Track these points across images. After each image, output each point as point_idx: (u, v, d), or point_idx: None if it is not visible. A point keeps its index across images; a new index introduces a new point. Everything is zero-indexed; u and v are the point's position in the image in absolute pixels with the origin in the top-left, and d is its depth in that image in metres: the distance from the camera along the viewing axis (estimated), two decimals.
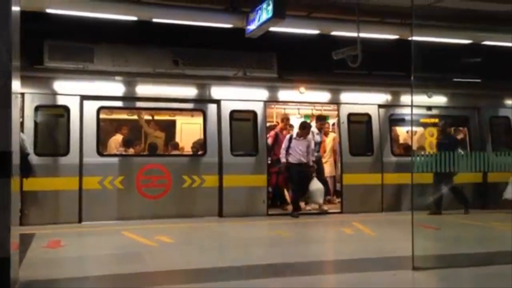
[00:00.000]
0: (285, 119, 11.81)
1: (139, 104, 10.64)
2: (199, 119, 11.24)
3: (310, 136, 10.85)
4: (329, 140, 12.25)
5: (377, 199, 11.17)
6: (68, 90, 9.83)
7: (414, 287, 5.76)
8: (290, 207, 10.88)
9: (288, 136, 10.71)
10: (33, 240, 7.69)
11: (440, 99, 12.31)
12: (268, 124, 11.51)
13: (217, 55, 11.16)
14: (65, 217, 9.43)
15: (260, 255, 7.08)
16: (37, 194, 9.35)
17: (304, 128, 10.73)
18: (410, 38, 6.85)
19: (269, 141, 11.29)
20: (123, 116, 12.06)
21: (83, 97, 9.83)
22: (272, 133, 11.50)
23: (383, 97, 11.84)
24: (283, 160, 10.51)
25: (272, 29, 9.62)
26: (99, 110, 9.98)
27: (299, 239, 8.16)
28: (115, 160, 10.13)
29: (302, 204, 10.91)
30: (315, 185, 10.64)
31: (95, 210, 9.62)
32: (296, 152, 10.44)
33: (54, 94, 9.79)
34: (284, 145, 10.56)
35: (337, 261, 6.63)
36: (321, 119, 12.03)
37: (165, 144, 11.52)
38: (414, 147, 11.88)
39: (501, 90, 12.23)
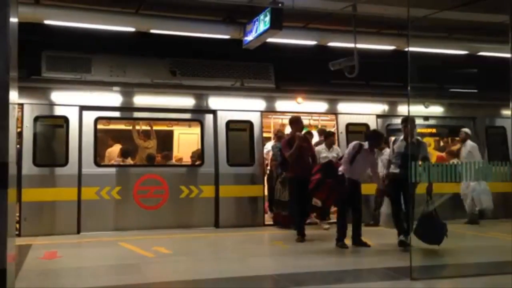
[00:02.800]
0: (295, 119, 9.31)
1: (137, 114, 10.66)
2: (196, 130, 11.26)
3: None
4: None
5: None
6: (67, 101, 9.85)
7: None
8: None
9: (356, 144, 8.38)
10: (30, 251, 7.66)
11: (436, 109, 12.36)
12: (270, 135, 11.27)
13: (214, 66, 11.20)
14: (64, 228, 9.40)
15: (258, 266, 7.06)
16: (36, 204, 9.33)
17: (377, 138, 8.60)
18: (406, 49, 6.88)
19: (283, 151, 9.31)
20: (121, 126, 12.08)
21: (82, 108, 9.84)
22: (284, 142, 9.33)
23: (381, 107, 11.90)
24: (347, 175, 8.27)
25: (269, 40, 9.66)
26: (96, 120, 10.00)
27: (298, 249, 8.13)
28: (112, 170, 10.12)
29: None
30: (387, 207, 8.39)
31: (92, 220, 9.60)
32: (357, 168, 8.33)
33: (53, 104, 9.81)
34: (348, 155, 8.36)
35: (336, 272, 6.61)
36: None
37: (159, 154, 11.48)
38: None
39: (497, 100, 12.27)
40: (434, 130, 12.61)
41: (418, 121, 11.72)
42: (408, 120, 8.13)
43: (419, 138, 8.42)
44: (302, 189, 8.59)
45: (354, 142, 8.52)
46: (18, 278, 5.76)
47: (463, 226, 10.46)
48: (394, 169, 8.11)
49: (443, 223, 7.61)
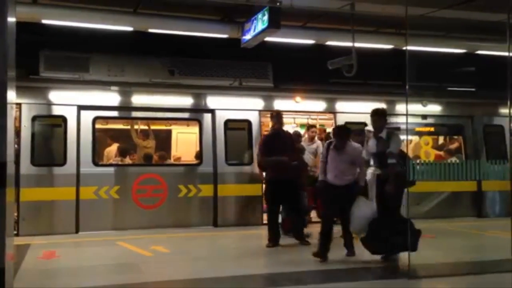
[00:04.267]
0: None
1: (135, 114, 10.66)
2: (195, 129, 11.25)
3: (356, 146, 7.46)
4: None
5: None
6: (65, 100, 9.84)
7: None
8: None
9: (326, 143, 7.72)
10: (28, 251, 7.66)
11: (434, 108, 12.38)
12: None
13: (213, 65, 11.20)
14: (62, 227, 9.39)
15: (256, 265, 7.06)
16: (34, 204, 9.32)
17: (341, 133, 7.42)
18: (404, 48, 6.89)
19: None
20: (119, 126, 12.07)
21: (80, 107, 9.84)
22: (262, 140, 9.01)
23: (379, 106, 11.85)
24: (320, 177, 7.48)
25: (267, 39, 9.67)
26: (94, 120, 9.99)
27: (296, 248, 8.14)
28: (110, 170, 10.12)
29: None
30: (359, 208, 7.05)
31: (91, 220, 9.59)
32: (329, 169, 7.35)
33: (51, 104, 9.80)
34: (322, 155, 7.61)
35: (334, 271, 6.61)
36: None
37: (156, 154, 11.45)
38: (410, 156, 11.92)
39: (494, 99, 12.30)
40: (432, 129, 12.61)
41: (417, 120, 11.74)
42: (378, 113, 7.20)
43: (391, 130, 7.28)
44: (276, 191, 8.18)
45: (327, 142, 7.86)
46: (17, 277, 5.77)
47: None
48: (375, 170, 7.09)
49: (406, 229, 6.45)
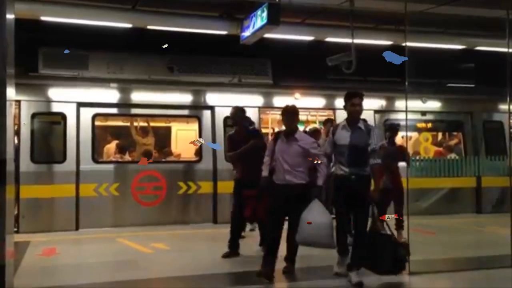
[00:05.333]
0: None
1: (135, 111, 10.65)
2: (194, 126, 11.25)
3: (305, 135, 6.60)
4: None
5: None
6: (64, 97, 9.83)
7: None
8: None
9: (274, 134, 6.79)
10: (28, 248, 7.66)
11: (434, 104, 12.38)
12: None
13: (212, 62, 11.21)
14: (62, 224, 9.40)
15: (255, 262, 7.05)
16: (34, 201, 9.31)
17: (290, 116, 6.02)
18: (404, 44, 6.89)
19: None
20: (119, 123, 12.06)
21: (80, 104, 9.82)
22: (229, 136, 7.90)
23: (379, 103, 11.89)
24: (265, 172, 6.11)
25: (266, 35, 9.65)
26: (94, 117, 9.98)
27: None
28: (110, 167, 10.12)
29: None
30: (312, 215, 5.65)
31: (91, 217, 9.59)
32: (277, 166, 5.98)
33: (51, 101, 9.79)
34: (268, 149, 6.24)
35: (331, 267, 6.62)
36: None
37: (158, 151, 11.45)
38: (410, 152, 11.93)
39: (494, 95, 12.30)
40: (431, 125, 12.61)
41: (416, 116, 11.73)
42: (361, 97, 6.11)
43: (367, 122, 6.48)
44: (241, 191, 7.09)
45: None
46: (17, 274, 5.76)
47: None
48: (339, 170, 5.83)
49: (396, 244, 5.77)
